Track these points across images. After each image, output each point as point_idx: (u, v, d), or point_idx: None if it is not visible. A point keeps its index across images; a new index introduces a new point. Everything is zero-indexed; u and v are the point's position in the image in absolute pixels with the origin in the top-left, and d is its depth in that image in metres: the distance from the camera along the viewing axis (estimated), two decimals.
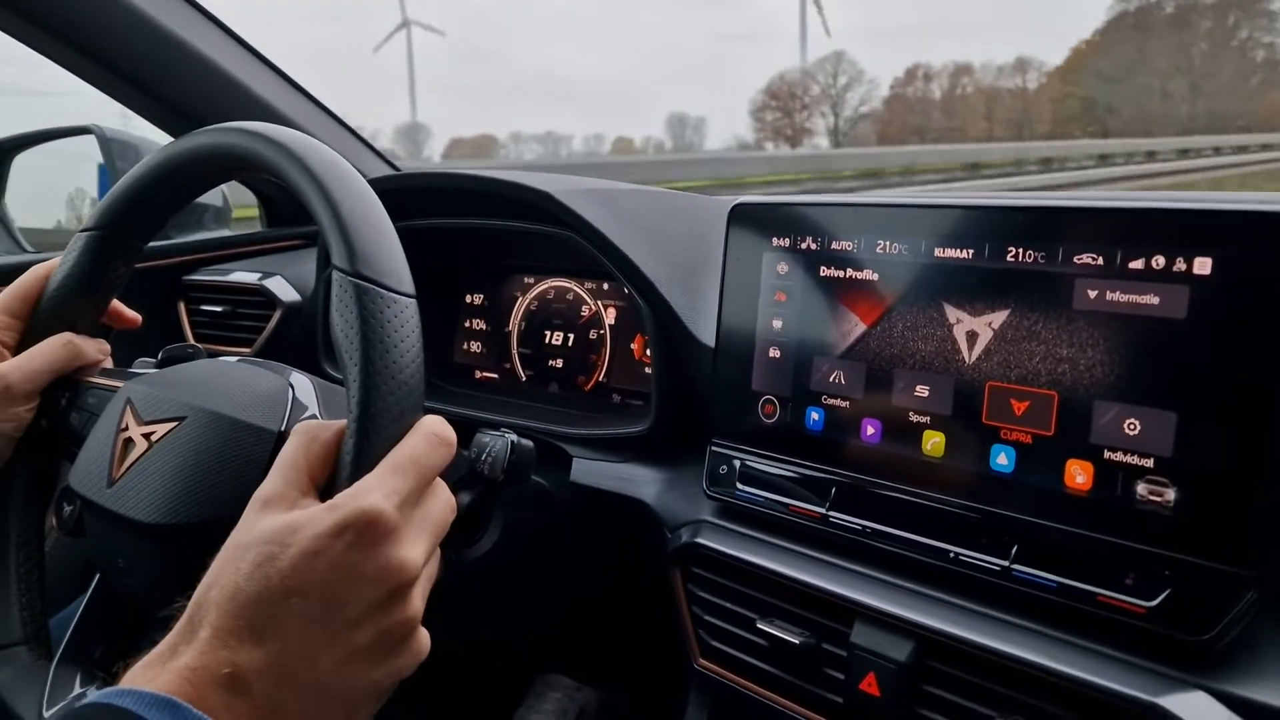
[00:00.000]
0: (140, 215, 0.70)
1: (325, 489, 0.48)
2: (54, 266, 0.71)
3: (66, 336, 0.70)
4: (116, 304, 0.76)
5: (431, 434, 0.50)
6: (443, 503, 0.51)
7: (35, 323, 0.71)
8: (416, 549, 0.47)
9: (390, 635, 0.46)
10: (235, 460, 0.59)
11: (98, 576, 0.72)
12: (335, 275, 0.51)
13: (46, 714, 0.62)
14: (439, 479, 0.51)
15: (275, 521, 0.45)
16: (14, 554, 0.69)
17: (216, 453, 0.59)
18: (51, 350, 0.69)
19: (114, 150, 1.37)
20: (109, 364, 0.74)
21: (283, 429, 0.61)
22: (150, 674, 0.42)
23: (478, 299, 1.18)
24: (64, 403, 0.71)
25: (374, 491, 0.45)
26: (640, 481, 0.87)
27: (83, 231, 0.70)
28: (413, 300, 0.53)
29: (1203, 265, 0.53)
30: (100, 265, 0.70)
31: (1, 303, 0.72)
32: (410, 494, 0.47)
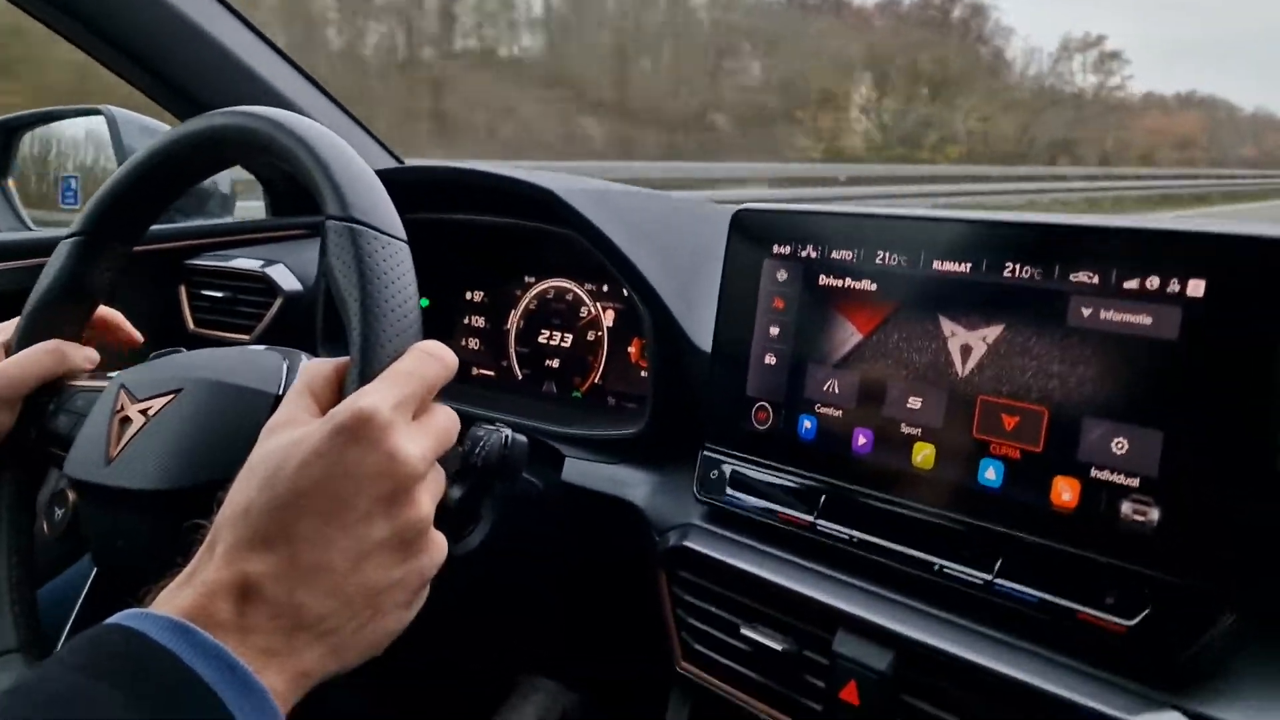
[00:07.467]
0: (125, 218, 0.70)
1: None
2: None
3: (54, 343, 0.70)
4: (120, 320, 0.76)
5: (425, 352, 0.52)
6: (444, 415, 0.52)
7: (20, 332, 0.71)
8: (415, 446, 0.47)
9: (403, 533, 0.47)
10: (234, 421, 0.60)
11: (93, 574, 0.72)
12: (330, 225, 0.53)
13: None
14: (439, 403, 0.52)
15: (281, 439, 0.47)
16: (5, 561, 0.69)
17: (216, 416, 0.60)
18: (35, 357, 0.69)
19: (123, 134, 1.37)
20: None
21: (279, 392, 0.61)
22: (171, 596, 0.43)
23: (477, 296, 1.19)
24: (51, 408, 0.70)
25: (369, 395, 0.47)
26: (631, 484, 0.87)
27: (67, 238, 0.69)
28: (405, 244, 0.55)
29: (1196, 287, 0.54)
30: (85, 271, 0.70)
31: None
32: (406, 399, 0.48)
